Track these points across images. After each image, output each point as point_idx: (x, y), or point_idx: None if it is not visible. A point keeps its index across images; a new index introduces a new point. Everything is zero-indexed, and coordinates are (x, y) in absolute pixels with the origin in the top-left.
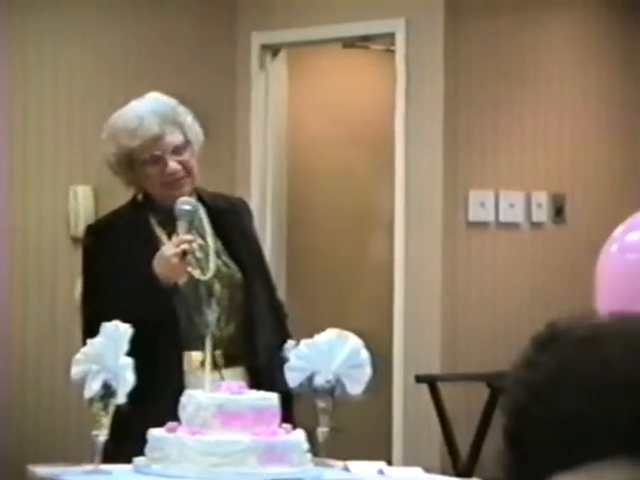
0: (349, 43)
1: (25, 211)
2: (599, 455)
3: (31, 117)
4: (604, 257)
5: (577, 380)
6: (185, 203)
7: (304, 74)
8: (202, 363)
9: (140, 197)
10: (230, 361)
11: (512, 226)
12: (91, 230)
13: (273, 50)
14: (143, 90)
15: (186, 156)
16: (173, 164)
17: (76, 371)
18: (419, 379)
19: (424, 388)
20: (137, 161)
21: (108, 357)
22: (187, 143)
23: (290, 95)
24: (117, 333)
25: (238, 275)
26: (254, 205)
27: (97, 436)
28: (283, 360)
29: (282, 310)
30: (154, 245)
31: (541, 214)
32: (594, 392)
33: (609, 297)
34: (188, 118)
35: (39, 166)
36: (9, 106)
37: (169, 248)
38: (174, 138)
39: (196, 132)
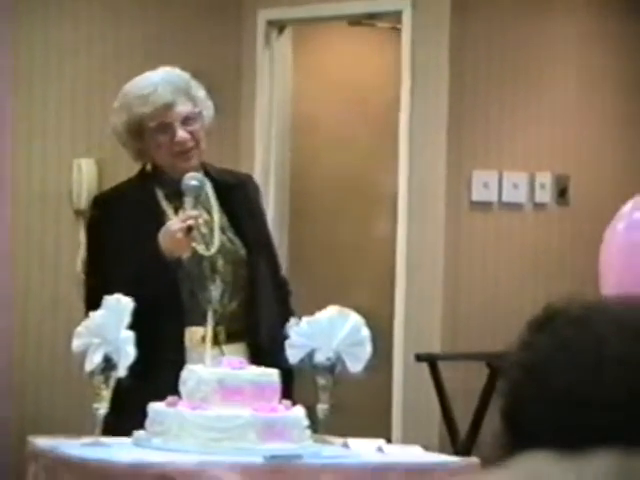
0: (355, 21)
1: (29, 184)
2: (593, 435)
3: (35, 91)
4: (610, 234)
5: (572, 359)
6: (192, 178)
7: (309, 51)
8: (203, 338)
9: (149, 167)
10: (232, 337)
11: (515, 206)
12: (97, 201)
13: (279, 27)
14: (149, 66)
15: (196, 127)
16: (182, 133)
17: (77, 344)
18: (419, 358)
19: (424, 367)
20: (147, 129)
21: (109, 330)
22: (198, 114)
23: (295, 72)
24: (119, 306)
25: (242, 251)
26: (257, 180)
27: (97, 409)
28: (285, 337)
29: (286, 288)
30: (160, 219)
31: (544, 195)
32: (589, 370)
33: (615, 274)
34: (200, 92)
35: (43, 139)
36: (14, 80)
37: (175, 223)
38: (185, 108)
39: (208, 106)
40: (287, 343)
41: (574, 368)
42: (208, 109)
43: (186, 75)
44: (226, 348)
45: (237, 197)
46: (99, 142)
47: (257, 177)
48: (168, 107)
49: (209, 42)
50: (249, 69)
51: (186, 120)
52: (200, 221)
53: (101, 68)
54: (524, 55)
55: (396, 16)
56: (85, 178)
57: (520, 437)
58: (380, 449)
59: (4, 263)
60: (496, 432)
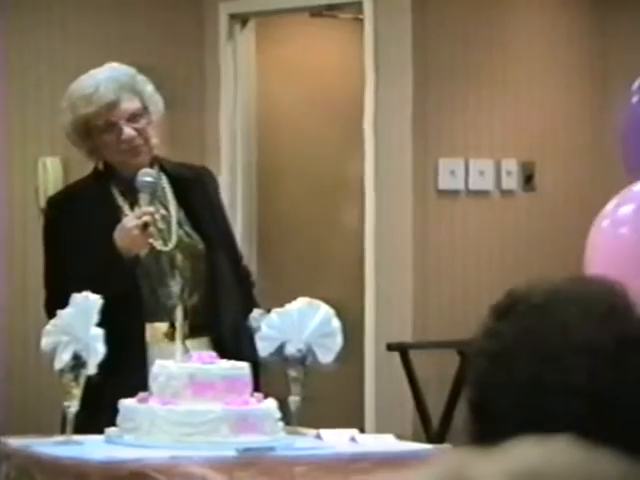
0: (316, 12)
1: None
2: (558, 422)
3: None
4: (595, 232)
5: (535, 346)
6: (146, 175)
7: (272, 43)
8: (166, 334)
9: (101, 166)
10: (194, 332)
11: (482, 194)
12: (52, 201)
13: (241, 20)
14: (111, 60)
15: (142, 124)
16: (128, 130)
17: (46, 342)
18: (390, 347)
19: (395, 356)
20: (94, 129)
21: (78, 328)
22: (144, 110)
23: (259, 65)
24: (87, 304)
25: (200, 246)
26: (224, 175)
27: (68, 407)
28: (249, 329)
29: (249, 279)
30: (116, 216)
31: (511, 182)
32: (553, 357)
33: (601, 271)
34: (148, 87)
35: (7, 138)
36: None
37: (130, 220)
38: (130, 105)
39: (155, 101)
40: (257, 336)
41: (538, 355)
42: (156, 104)
43: (132, 70)
44: (190, 343)
45: (194, 191)
46: (64, 140)
47: (224, 171)
48: (112, 106)
49: (171, 37)
50: (212, 63)
51: (132, 117)
52: (157, 217)
53: (63, 65)
54: (488, 42)
55: (357, 6)
56: (51, 177)
57: (487, 424)
58: (353, 439)
59: None
60: (465, 419)
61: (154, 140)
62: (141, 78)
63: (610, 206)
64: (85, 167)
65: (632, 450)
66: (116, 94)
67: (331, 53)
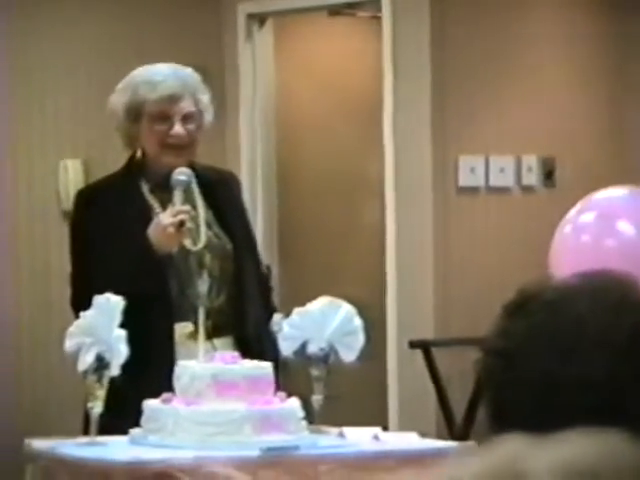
0: (335, 11)
1: (15, 186)
2: (573, 418)
3: (20, 92)
4: (558, 237)
5: (549, 341)
6: (182, 173)
7: (291, 43)
8: (192, 334)
9: (139, 154)
10: (219, 331)
11: (503, 190)
12: (82, 196)
13: (259, 19)
14: (130, 62)
15: (193, 127)
16: (179, 128)
17: (70, 344)
18: (413, 345)
19: (418, 353)
20: (146, 115)
21: (101, 329)
22: (199, 115)
23: (277, 64)
24: (109, 305)
25: (228, 246)
26: (244, 176)
27: (92, 408)
28: (270, 332)
29: (268, 283)
30: (146, 213)
31: (531, 178)
32: (567, 352)
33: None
34: (205, 96)
35: (28, 141)
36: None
37: (166, 217)
38: (188, 105)
39: (210, 111)
40: (280, 335)
41: (551, 351)
42: (209, 113)
43: (197, 76)
44: (217, 342)
45: (221, 193)
46: (85, 143)
47: (244, 171)
48: (173, 99)
49: (190, 37)
50: (231, 63)
51: (186, 117)
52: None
53: (84, 67)
54: (507, 38)
55: (376, 5)
56: (71, 179)
57: (503, 423)
58: (376, 437)
59: None
60: (485, 418)
61: (198, 146)
62: (202, 87)
63: (572, 212)
64: (106, 169)
65: None
66: (180, 90)
67: (349, 52)
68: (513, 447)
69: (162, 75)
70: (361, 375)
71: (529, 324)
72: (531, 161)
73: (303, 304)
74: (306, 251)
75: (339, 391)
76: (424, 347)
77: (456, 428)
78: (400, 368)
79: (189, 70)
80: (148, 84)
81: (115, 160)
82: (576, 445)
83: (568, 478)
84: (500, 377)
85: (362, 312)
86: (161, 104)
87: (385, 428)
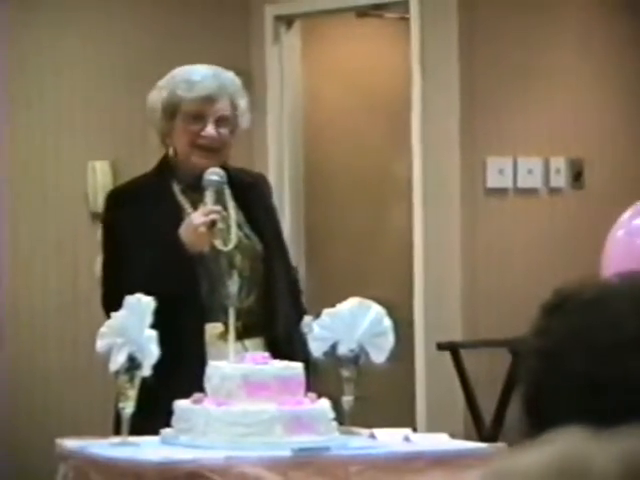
0: (362, 12)
1: (44, 187)
2: (613, 418)
3: (48, 93)
4: (611, 241)
5: (587, 342)
6: (213, 174)
7: (318, 45)
8: (222, 334)
9: (171, 152)
10: (249, 332)
11: (530, 192)
12: (113, 196)
13: (287, 21)
14: (158, 64)
15: (227, 130)
16: (211, 129)
17: (101, 344)
18: (441, 346)
19: (446, 355)
20: (181, 113)
21: (132, 330)
22: (234, 119)
23: (305, 66)
24: (140, 306)
25: (259, 247)
26: (272, 177)
27: (123, 408)
28: (301, 333)
29: (297, 286)
30: (177, 213)
31: (559, 179)
32: (605, 353)
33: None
34: (243, 101)
35: (57, 142)
36: (25, 82)
37: (198, 217)
38: (224, 108)
39: (246, 116)
40: (309, 336)
41: (590, 351)
42: (245, 118)
43: (238, 80)
44: (247, 343)
45: (252, 194)
46: (113, 144)
47: (271, 172)
48: (210, 100)
49: (217, 39)
50: (259, 65)
51: (221, 120)
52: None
53: (111, 68)
54: (535, 39)
55: (403, 5)
56: (100, 180)
57: (541, 423)
58: (407, 438)
59: (23, 267)
60: (519, 419)
61: (229, 150)
62: (242, 92)
63: (625, 216)
64: (134, 170)
65: None
66: (217, 92)
67: (377, 53)
68: (572, 441)
69: (201, 75)
70: (389, 376)
71: (568, 324)
72: (559, 163)
73: (331, 305)
74: (333, 253)
75: (368, 392)
76: (452, 349)
77: (485, 430)
78: (428, 370)
79: (230, 73)
80: (186, 83)
81: (143, 161)
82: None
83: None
84: (539, 376)
85: (390, 314)
86: (197, 104)
87: (413, 430)
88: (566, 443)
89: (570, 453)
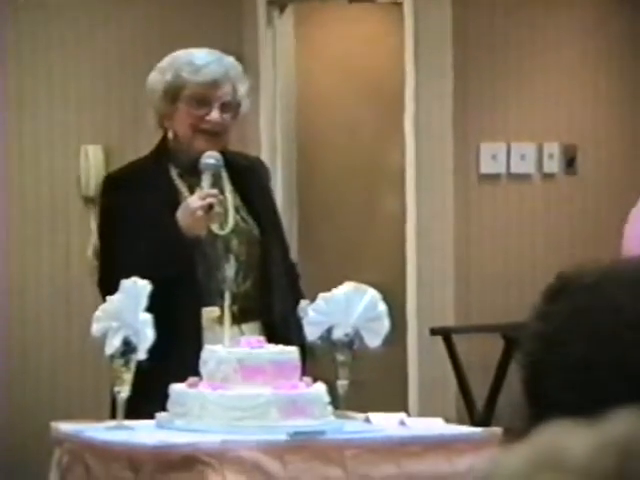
0: None
1: (36, 172)
2: (611, 402)
3: (40, 78)
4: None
5: (588, 327)
6: (210, 157)
7: (311, 29)
8: (219, 318)
9: (170, 135)
10: (245, 316)
11: (524, 177)
12: (110, 180)
13: (280, 6)
14: (151, 49)
15: (229, 116)
16: (216, 114)
17: (96, 328)
18: (433, 332)
19: (439, 340)
20: (185, 97)
21: (128, 313)
22: (235, 105)
23: (297, 51)
24: (136, 289)
25: (255, 231)
26: (264, 160)
27: (119, 392)
28: (297, 318)
29: (294, 270)
30: (174, 197)
31: (553, 165)
32: (605, 338)
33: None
34: (244, 87)
35: (50, 126)
36: (17, 68)
37: (195, 200)
38: (228, 93)
39: (246, 103)
40: (305, 320)
41: (591, 336)
42: (245, 105)
43: (239, 66)
44: (244, 327)
45: (249, 178)
46: (106, 128)
47: (264, 157)
48: (215, 85)
49: (210, 24)
50: (251, 50)
51: (224, 105)
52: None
53: (104, 53)
54: (529, 25)
55: None
56: (93, 165)
57: (541, 407)
58: (402, 422)
59: (14, 251)
60: (518, 403)
61: (229, 135)
62: (243, 76)
63: None
64: (127, 155)
65: None
66: (222, 77)
67: (370, 38)
68: (553, 432)
69: (205, 59)
70: (382, 361)
71: (569, 308)
72: (553, 148)
73: (324, 289)
74: (326, 237)
75: (361, 377)
76: (445, 334)
77: (477, 414)
78: (420, 355)
79: (231, 59)
80: (191, 66)
81: (135, 146)
82: (626, 424)
83: (617, 455)
84: (539, 361)
85: (383, 298)
86: (203, 88)
87: (406, 414)
88: (545, 436)
89: (546, 446)
